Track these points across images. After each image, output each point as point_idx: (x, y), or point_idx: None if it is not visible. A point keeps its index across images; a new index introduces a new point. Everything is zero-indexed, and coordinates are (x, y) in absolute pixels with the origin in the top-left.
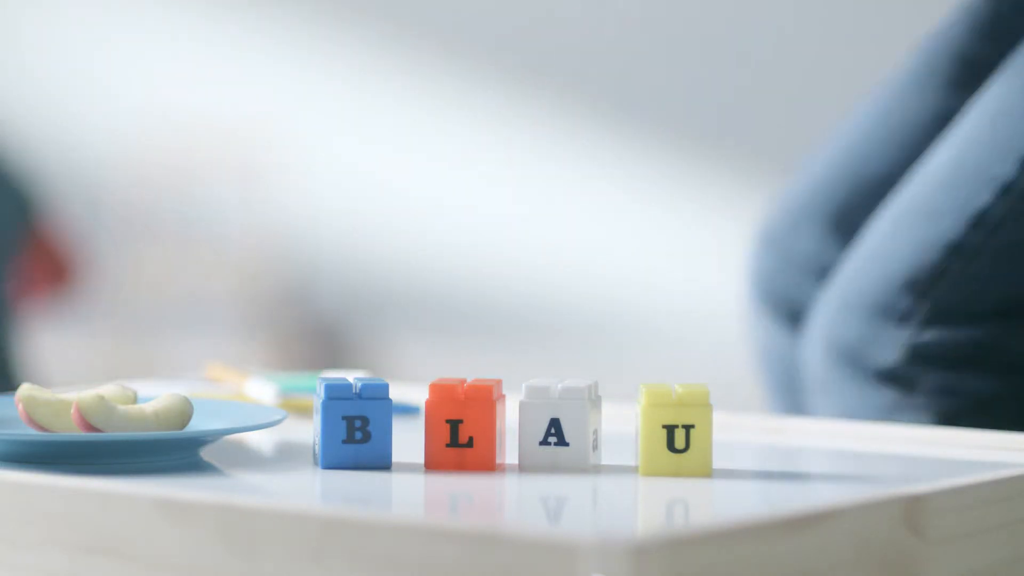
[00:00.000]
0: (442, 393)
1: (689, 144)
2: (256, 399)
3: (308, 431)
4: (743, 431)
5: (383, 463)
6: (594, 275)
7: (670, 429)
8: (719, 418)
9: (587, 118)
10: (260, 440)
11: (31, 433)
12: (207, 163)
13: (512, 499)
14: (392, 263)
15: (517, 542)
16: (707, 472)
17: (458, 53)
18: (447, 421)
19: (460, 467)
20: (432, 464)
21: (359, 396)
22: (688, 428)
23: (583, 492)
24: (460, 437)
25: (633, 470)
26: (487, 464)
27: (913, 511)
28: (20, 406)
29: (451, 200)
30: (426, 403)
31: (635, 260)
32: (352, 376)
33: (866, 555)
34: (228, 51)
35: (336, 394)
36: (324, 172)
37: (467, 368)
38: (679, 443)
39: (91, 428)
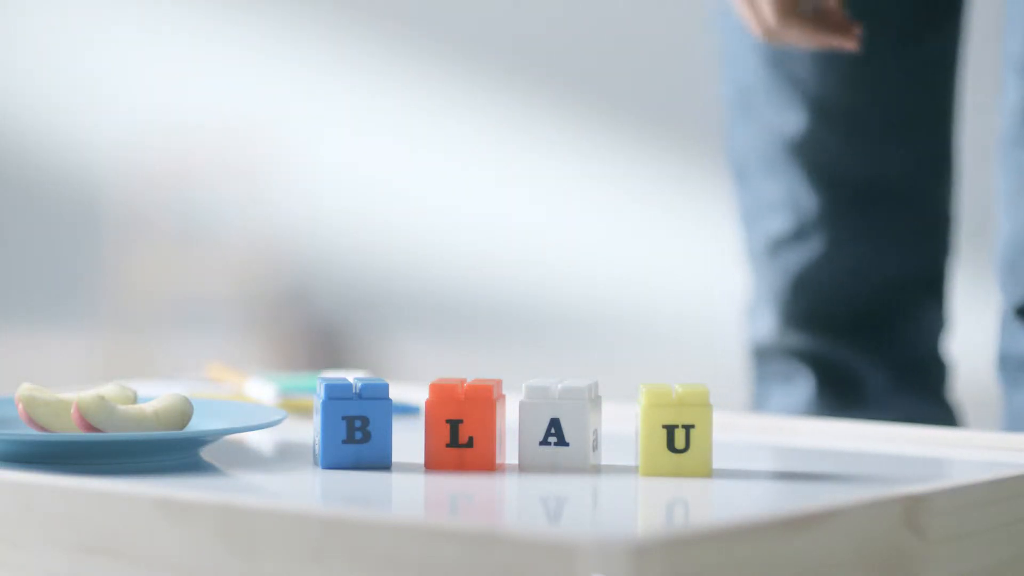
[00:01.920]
0: (442, 393)
1: (690, 144)
2: (256, 399)
3: (308, 431)
4: (743, 431)
5: (383, 463)
6: (594, 275)
7: (670, 429)
8: (719, 418)
9: (587, 118)
10: (260, 440)
11: (31, 433)
12: (207, 163)
13: (512, 499)
14: (392, 263)
15: (517, 542)
16: (707, 472)
17: (458, 53)
18: (447, 421)
19: (460, 467)
20: (432, 464)
21: (359, 396)
22: (688, 428)
23: (583, 492)
24: (460, 437)
25: (633, 470)
26: (487, 464)
27: (913, 511)
28: (20, 406)
29: (451, 200)
30: (426, 403)
31: (635, 260)
32: (352, 376)
33: (866, 555)
34: (229, 51)
35: (336, 394)
36: (324, 172)
37: (467, 368)
38: (679, 443)
39: (91, 428)
